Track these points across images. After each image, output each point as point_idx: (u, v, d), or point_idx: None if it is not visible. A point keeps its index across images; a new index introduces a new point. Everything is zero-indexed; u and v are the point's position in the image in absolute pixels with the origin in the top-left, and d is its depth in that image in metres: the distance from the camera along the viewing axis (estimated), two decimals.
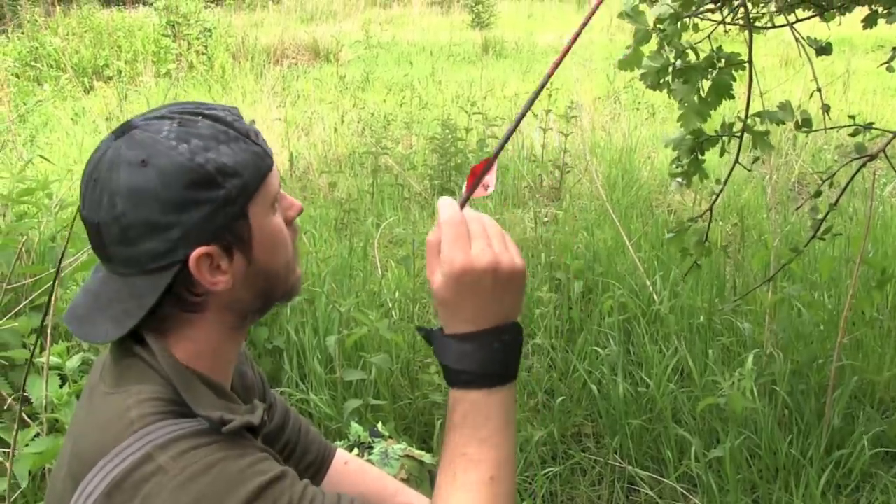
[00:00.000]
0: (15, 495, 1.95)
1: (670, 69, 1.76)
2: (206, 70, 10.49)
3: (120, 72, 10.00)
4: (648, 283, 3.41)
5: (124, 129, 0.93)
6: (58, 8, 12.27)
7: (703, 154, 1.84)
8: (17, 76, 9.46)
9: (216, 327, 1.00)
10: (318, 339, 2.89)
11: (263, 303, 1.04)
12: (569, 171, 5.27)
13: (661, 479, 2.52)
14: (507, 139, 0.97)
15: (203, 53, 11.12)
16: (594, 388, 2.84)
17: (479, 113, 5.89)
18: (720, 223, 4.35)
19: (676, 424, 2.66)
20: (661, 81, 1.81)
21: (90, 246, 0.96)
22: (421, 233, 4.29)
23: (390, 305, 3.35)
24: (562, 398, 2.87)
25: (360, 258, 3.83)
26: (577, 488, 2.59)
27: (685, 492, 2.47)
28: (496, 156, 0.94)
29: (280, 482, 0.89)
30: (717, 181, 1.92)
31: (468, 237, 0.89)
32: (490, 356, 0.89)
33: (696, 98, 1.71)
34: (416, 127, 6.82)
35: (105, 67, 10.23)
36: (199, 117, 0.94)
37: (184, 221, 0.90)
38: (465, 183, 0.95)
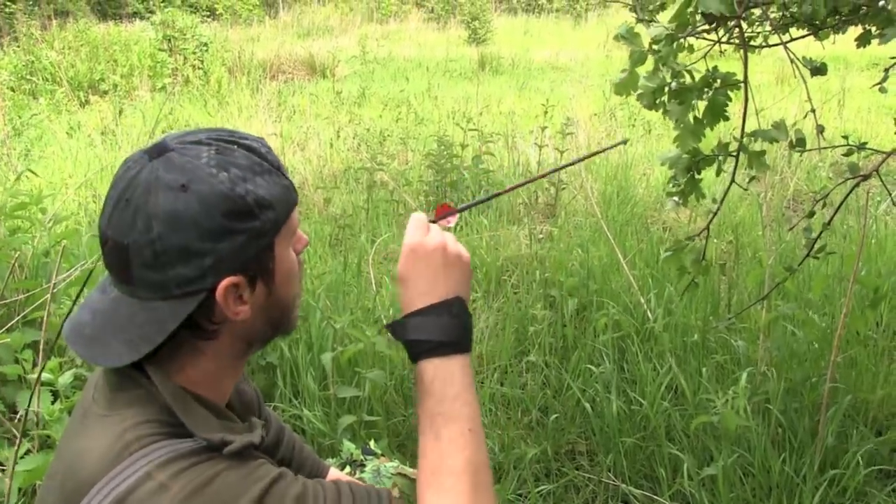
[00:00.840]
0: None
1: (666, 90, 1.77)
2: (203, 84, 10.52)
3: (116, 86, 10.02)
4: (643, 300, 3.41)
5: (159, 151, 0.92)
6: (54, 21, 12.31)
7: (699, 173, 1.85)
8: (13, 89, 9.48)
9: (223, 355, 1.01)
10: (312, 356, 2.88)
11: (272, 333, 1.05)
12: (564, 188, 5.28)
13: (655, 497, 2.52)
14: (477, 203, 1.21)
15: (199, 68, 11.16)
16: (588, 405, 2.84)
17: (476, 129, 5.91)
18: (715, 241, 4.36)
19: (670, 442, 2.65)
20: (658, 101, 1.82)
21: (108, 265, 0.94)
22: None
23: (385, 322, 3.34)
24: (555, 416, 2.87)
25: (355, 274, 3.83)
26: None
27: None
28: (463, 209, 1.17)
29: (280, 482, 0.91)
30: (714, 200, 1.93)
31: (427, 228, 1.08)
32: (443, 325, 1.02)
33: (691, 118, 1.72)
34: (412, 143, 6.84)
35: (101, 81, 10.25)
36: (235, 146, 0.95)
37: (218, 250, 0.91)
38: (435, 209, 1.15)
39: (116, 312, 0.94)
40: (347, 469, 1.59)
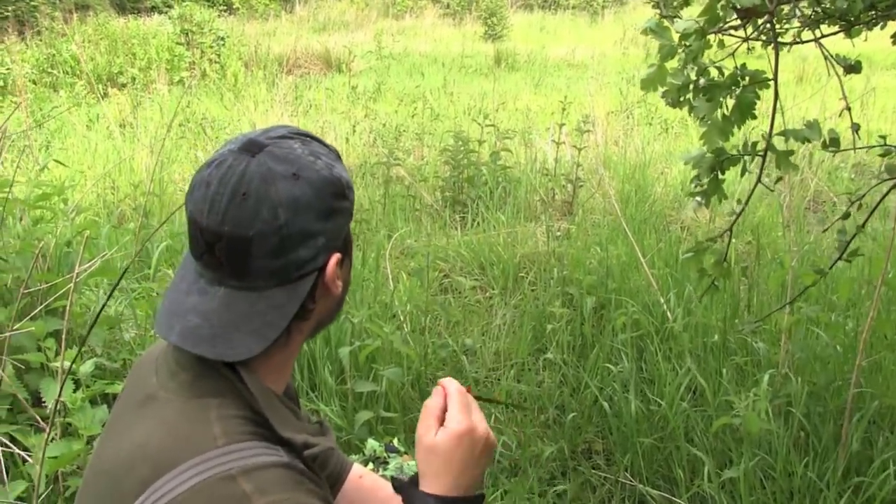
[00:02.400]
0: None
1: (691, 87, 1.74)
2: (219, 78, 10.55)
3: (134, 79, 10.06)
4: (662, 300, 3.38)
5: (257, 147, 0.96)
6: (75, 15, 12.37)
7: (723, 173, 1.82)
8: (35, 82, 9.54)
9: (303, 338, 1.04)
10: (330, 350, 2.88)
11: (336, 312, 1.09)
12: (581, 186, 5.25)
13: (673, 498, 2.50)
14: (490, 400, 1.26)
15: (216, 62, 11.19)
16: (605, 404, 2.82)
17: (492, 125, 5.88)
18: (734, 241, 4.32)
19: (689, 444, 2.63)
20: (682, 99, 1.79)
21: (216, 263, 0.95)
22: (434, 244, 4.28)
23: (402, 318, 3.33)
24: (573, 414, 2.85)
25: (372, 269, 3.82)
26: None
27: None
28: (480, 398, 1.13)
29: None
30: (739, 201, 1.90)
31: (470, 408, 1.05)
32: None
33: (719, 116, 1.69)
34: (428, 138, 6.82)
35: (119, 74, 10.30)
36: (309, 138, 1.01)
37: (328, 229, 0.97)
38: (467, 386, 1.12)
39: (232, 308, 0.95)
40: (370, 466, 1.59)
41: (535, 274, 3.99)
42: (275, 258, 0.93)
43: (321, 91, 9.05)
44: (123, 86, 9.80)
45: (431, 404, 1.04)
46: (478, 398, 1.10)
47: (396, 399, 2.76)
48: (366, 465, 1.60)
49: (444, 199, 5.32)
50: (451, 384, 1.07)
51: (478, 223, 4.87)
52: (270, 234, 0.92)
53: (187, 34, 11.44)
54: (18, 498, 1.85)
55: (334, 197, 0.97)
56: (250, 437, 0.92)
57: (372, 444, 1.68)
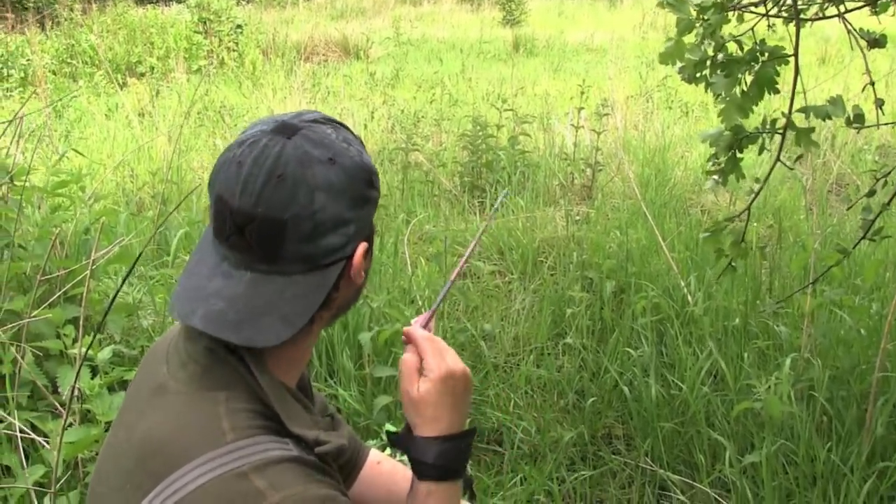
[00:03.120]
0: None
1: (708, 62, 1.71)
2: (237, 66, 10.56)
3: (152, 68, 10.10)
4: (683, 283, 3.34)
5: (292, 129, 0.94)
6: (94, 5, 12.43)
7: (741, 151, 1.78)
8: (54, 72, 9.59)
9: (314, 331, 1.03)
10: (348, 335, 2.87)
11: (354, 301, 1.09)
12: (601, 170, 5.20)
13: (694, 483, 2.47)
14: (443, 295, 1.20)
15: (234, 50, 11.20)
16: (626, 389, 2.80)
17: (511, 110, 5.84)
18: (755, 224, 4.26)
19: (710, 428, 2.60)
20: (699, 75, 1.76)
21: (246, 246, 0.92)
22: (452, 229, 4.26)
23: (420, 303, 3.32)
24: (592, 399, 2.83)
25: (391, 254, 3.81)
26: (606, 491, 2.55)
27: (718, 497, 2.41)
28: (435, 308, 1.18)
29: None
30: (757, 180, 1.86)
31: (442, 352, 1.07)
32: (460, 455, 1.06)
33: (738, 92, 1.65)
34: (446, 124, 6.79)
35: (138, 64, 10.34)
36: (338, 125, 1.00)
37: (360, 217, 0.96)
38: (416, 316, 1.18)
39: (259, 292, 0.93)
40: (387, 452, 1.58)
41: (555, 258, 3.96)
42: (307, 243, 0.92)
43: (339, 78, 9.04)
44: (142, 75, 9.84)
45: (407, 359, 1.07)
46: (435, 309, 1.16)
47: None
48: (383, 450, 1.59)
49: (462, 185, 5.30)
50: (415, 332, 1.10)
51: (500, 210, 4.85)
52: (305, 218, 0.91)
53: (205, 23, 11.45)
54: (37, 483, 1.86)
55: (366, 184, 0.97)
56: (259, 431, 0.91)
57: (389, 429, 1.67)
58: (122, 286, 1.41)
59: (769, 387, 2.37)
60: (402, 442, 1.08)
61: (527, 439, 2.71)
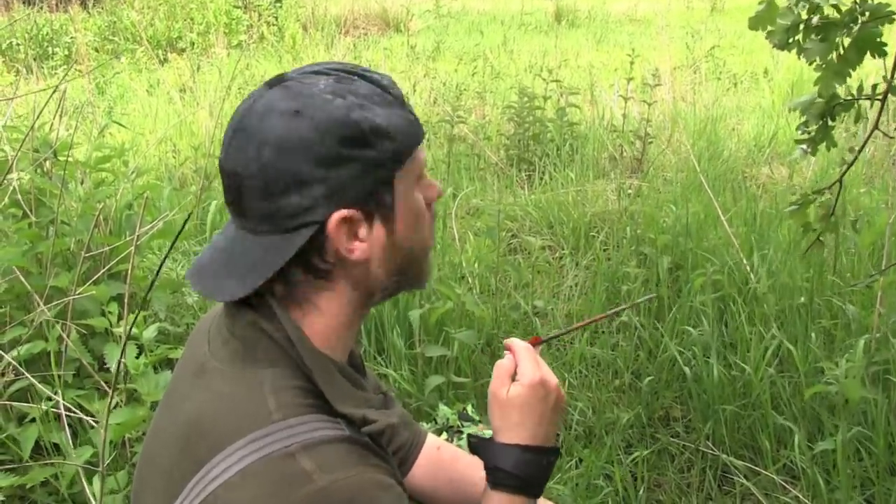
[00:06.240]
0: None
1: (801, 26, 1.57)
2: (277, 41, 10.52)
3: (193, 44, 10.11)
4: (745, 260, 3.20)
5: (277, 81, 0.91)
6: None
7: (833, 119, 1.65)
8: (97, 50, 9.66)
9: (344, 303, 0.95)
10: (399, 312, 2.80)
11: (396, 284, 0.99)
12: (651, 142, 5.03)
13: (759, 469, 2.36)
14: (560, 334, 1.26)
15: (273, 24, 11.16)
16: (686, 369, 2.68)
17: (557, 80, 5.68)
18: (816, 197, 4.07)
19: (775, 412, 2.48)
20: (791, 41, 1.62)
21: (226, 200, 0.93)
22: (501, 204, 4.15)
23: (470, 280, 3.24)
24: (649, 378, 2.72)
25: (439, 229, 3.72)
26: (664, 474, 2.46)
27: (785, 484, 2.30)
28: (551, 339, 1.20)
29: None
30: (852, 149, 1.72)
31: (539, 363, 1.06)
32: (540, 470, 1.03)
33: (834, 57, 1.52)
34: (490, 97, 6.67)
35: (178, 40, 10.37)
36: (356, 76, 0.92)
37: (331, 178, 0.87)
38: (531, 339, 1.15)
39: (233, 249, 0.91)
40: (444, 436, 1.50)
41: (607, 233, 3.84)
42: (263, 200, 0.87)
43: (379, 51, 8.94)
44: (183, 51, 9.86)
45: (502, 363, 1.06)
46: (547, 340, 1.15)
47: (467, 364, 2.67)
48: (439, 434, 1.51)
49: (508, 158, 5.18)
50: (516, 343, 1.08)
51: (545, 181, 4.73)
52: (256, 173, 0.87)
53: None
54: (88, 463, 1.83)
55: (343, 142, 0.86)
56: (307, 409, 0.86)
57: (445, 410, 1.59)
58: (164, 261, 1.35)
59: (844, 369, 2.23)
60: (481, 447, 1.05)
61: (582, 420, 2.62)
